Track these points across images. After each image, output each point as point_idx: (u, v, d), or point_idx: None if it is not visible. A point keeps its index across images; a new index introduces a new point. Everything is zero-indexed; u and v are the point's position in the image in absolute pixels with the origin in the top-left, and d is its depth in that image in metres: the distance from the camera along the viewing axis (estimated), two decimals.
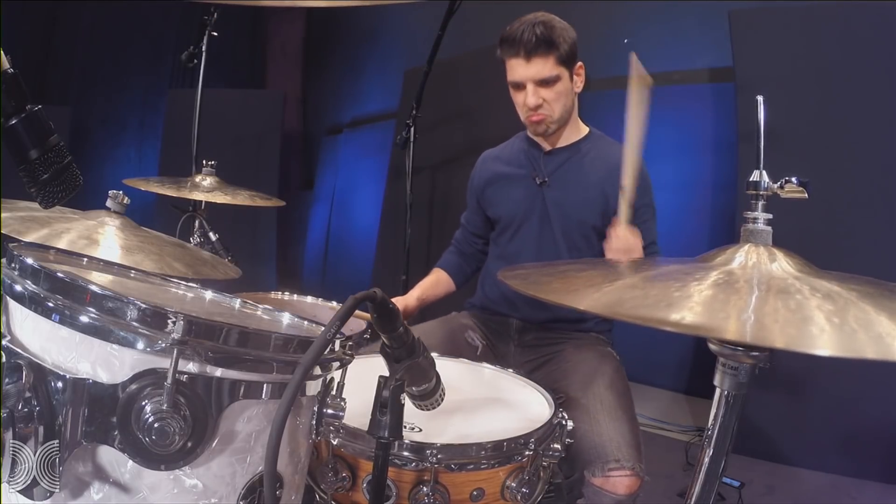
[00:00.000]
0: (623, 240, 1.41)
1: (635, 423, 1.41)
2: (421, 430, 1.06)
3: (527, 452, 1.04)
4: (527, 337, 1.75)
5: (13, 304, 0.76)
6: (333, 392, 0.89)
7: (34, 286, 0.74)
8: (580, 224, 1.70)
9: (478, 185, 1.87)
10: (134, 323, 0.70)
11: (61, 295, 0.72)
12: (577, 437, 1.33)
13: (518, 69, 1.62)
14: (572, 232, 1.71)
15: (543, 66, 1.59)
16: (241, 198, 2.07)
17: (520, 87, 1.65)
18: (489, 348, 1.74)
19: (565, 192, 1.72)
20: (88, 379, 0.69)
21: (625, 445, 1.31)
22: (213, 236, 2.22)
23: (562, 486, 1.40)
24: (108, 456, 0.70)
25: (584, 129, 1.78)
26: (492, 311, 1.81)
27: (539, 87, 1.62)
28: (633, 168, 1.30)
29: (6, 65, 0.74)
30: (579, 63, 1.67)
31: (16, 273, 0.76)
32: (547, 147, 1.76)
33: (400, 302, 1.71)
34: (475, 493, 1.00)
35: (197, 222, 2.22)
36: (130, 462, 0.70)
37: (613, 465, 1.28)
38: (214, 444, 0.73)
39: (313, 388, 0.86)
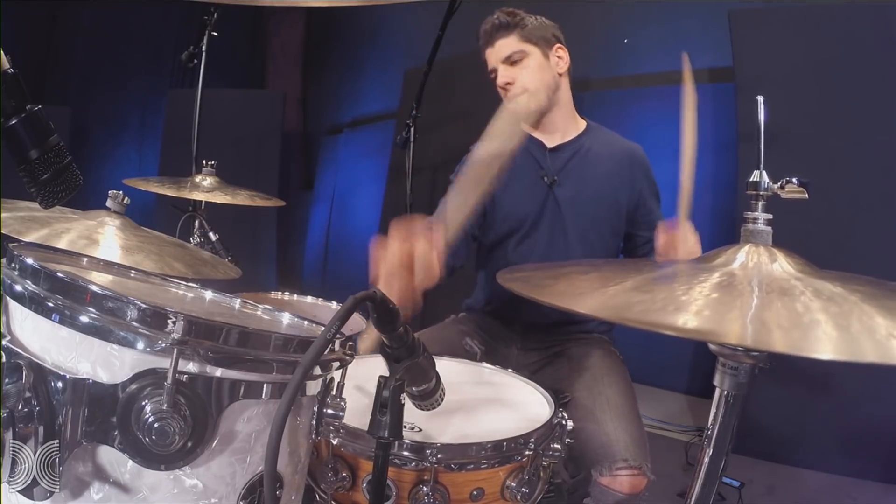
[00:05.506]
0: (688, 241, 1.33)
1: (640, 422, 1.41)
2: (421, 429, 1.06)
3: (526, 452, 1.04)
4: (529, 340, 1.74)
5: (13, 304, 0.76)
6: (333, 392, 0.88)
7: (34, 286, 0.74)
8: (595, 222, 1.68)
9: None
10: (134, 323, 0.70)
11: (61, 295, 0.72)
12: (583, 437, 1.33)
13: (489, 57, 1.70)
14: (587, 231, 1.68)
15: (506, 45, 1.66)
16: (241, 198, 2.07)
17: (495, 74, 1.70)
18: (489, 353, 1.69)
19: (577, 190, 1.68)
20: (88, 379, 0.69)
21: (632, 445, 1.32)
22: (213, 236, 2.22)
23: (562, 486, 1.40)
24: (108, 456, 0.70)
25: (583, 124, 1.78)
26: (493, 314, 1.79)
27: (507, 66, 1.67)
28: (691, 163, 1.28)
29: (6, 65, 0.73)
30: (559, 45, 1.70)
31: (16, 273, 0.76)
32: (549, 143, 1.73)
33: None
34: (475, 492, 1.00)
35: (197, 222, 2.22)
36: (130, 462, 0.70)
37: (621, 465, 1.28)
38: (214, 444, 0.73)
39: (313, 388, 0.86)
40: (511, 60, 1.65)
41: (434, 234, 1.07)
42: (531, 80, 1.65)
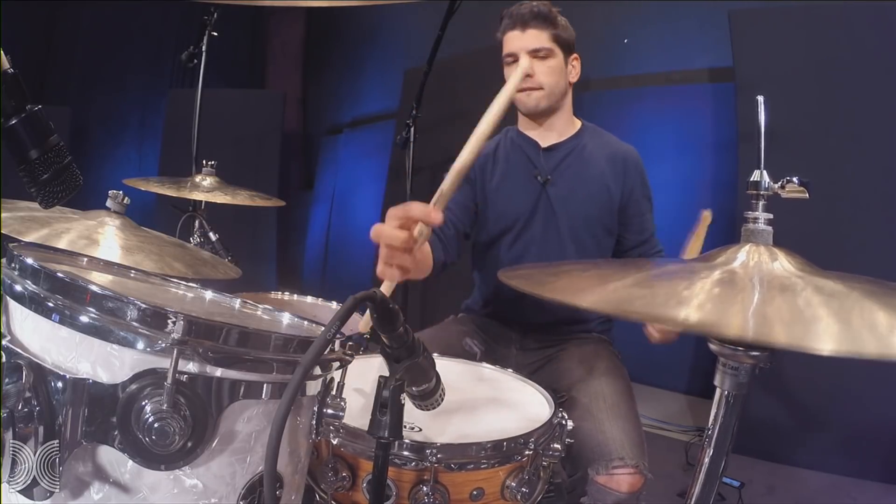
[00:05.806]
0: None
1: (638, 421, 1.41)
2: (421, 429, 1.06)
3: (526, 452, 1.04)
4: (528, 340, 1.74)
5: (13, 304, 0.76)
6: (333, 392, 0.88)
7: (34, 286, 0.74)
8: (587, 221, 1.68)
9: (478, 174, 1.72)
10: (134, 323, 0.70)
11: (61, 295, 0.72)
12: (580, 436, 1.33)
13: (514, 41, 1.66)
14: (580, 230, 1.68)
15: (538, 38, 1.64)
16: (241, 198, 2.07)
17: (514, 59, 1.67)
18: (488, 353, 1.70)
19: (570, 189, 1.69)
20: (88, 379, 0.69)
21: (628, 443, 1.31)
22: (213, 236, 2.22)
23: (562, 486, 1.40)
24: (108, 456, 0.70)
25: (578, 124, 1.78)
26: (492, 315, 1.79)
27: (532, 58, 1.64)
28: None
29: (6, 65, 0.74)
30: (575, 55, 1.71)
31: (16, 273, 0.76)
32: (543, 143, 1.74)
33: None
34: (475, 492, 1.00)
35: (197, 222, 2.22)
36: (130, 462, 0.70)
37: (617, 463, 1.28)
38: (214, 444, 0.73)
39: (313, 388, 0.86)
40: (538, 55, 1.64)
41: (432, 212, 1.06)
42: (548, 80, 1.66)
